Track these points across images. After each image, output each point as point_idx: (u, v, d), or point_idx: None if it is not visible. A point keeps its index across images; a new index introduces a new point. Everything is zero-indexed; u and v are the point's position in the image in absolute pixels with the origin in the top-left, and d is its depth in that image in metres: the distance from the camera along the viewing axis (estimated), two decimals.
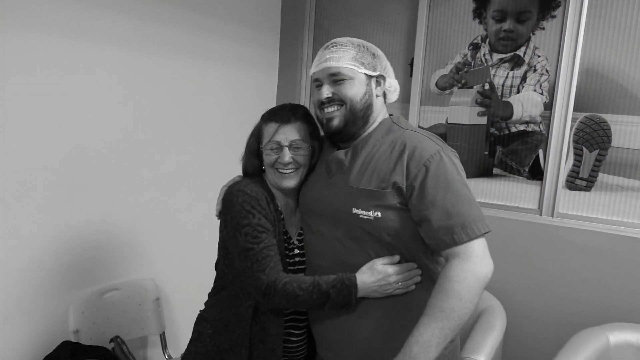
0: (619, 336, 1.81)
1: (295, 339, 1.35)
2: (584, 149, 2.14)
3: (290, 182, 1.30)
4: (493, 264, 1.12)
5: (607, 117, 2.08)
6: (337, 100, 1.22)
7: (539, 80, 2.21)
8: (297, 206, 1.38)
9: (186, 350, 1.40)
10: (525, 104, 2.24)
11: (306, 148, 1.30)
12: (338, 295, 1.18)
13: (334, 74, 1.21)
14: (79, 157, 1.90)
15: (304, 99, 2.83)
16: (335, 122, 1.22)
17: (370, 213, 1.16)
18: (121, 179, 2.06)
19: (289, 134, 1.29)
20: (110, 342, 1.94)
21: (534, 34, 2.21)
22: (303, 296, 1.19)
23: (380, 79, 1.26)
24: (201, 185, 2.30)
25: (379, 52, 1.28)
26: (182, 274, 2.33)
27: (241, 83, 2.61)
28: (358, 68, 1.21)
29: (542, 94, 2.21)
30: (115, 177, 2.03)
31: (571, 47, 2.12)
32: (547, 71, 2.19)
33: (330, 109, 1.23)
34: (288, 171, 1.29)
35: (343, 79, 1.21)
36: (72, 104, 1.85)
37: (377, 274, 1.19)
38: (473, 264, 1.08)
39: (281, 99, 2.87)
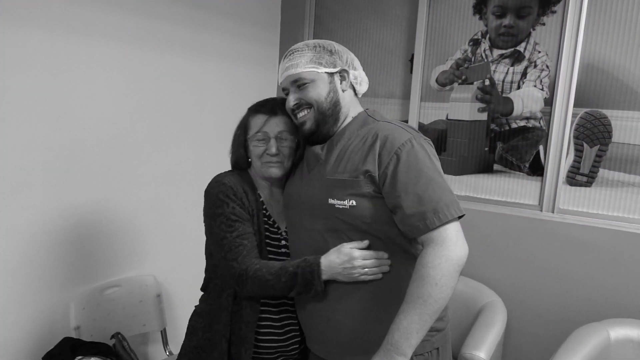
0: (620, 332, 1.82)
1: (278, 331, 1.34)
2: (585, 145, 2.13)
3: (277, 172, 1.34)
4: (468, 247, 1.13)
5: (608, 113, 2.07)
6: (305, 104, 1.25)
7: (539, 76, 2.21)
8: None
9: (182, 345, 1.41)
10: (526, 100, 2.24)
11: (292, 140, 1.34)
12: (303, 278, 1.20)
13: (295, 80, 1.25)
14: (78, 153, 1.90)
15: None
16: (308, 125, 1.26)
17: (346, 202, 1.19)
18: (121, 175, 2.06)
19: (276, 125, 1.33)
20: (111, 338, 1.94)
21: (534, 29, 2.21)
22: (272, 280, 1.22)
23: (343, 73, 1.27)
24: (201, 181, 2.28)
25: (338, 47, 1.29)
26: (182, 270, 2.33)
27: (241, 79, 2.60)
28: (317, 69, 1.24)
29: (542, 89, 2.20)
30: (115, 173, 2.03)
31: (571, 43, 2.12)
32: (547, 67, 2.19)
33: (301, 114, 1.27)
34: (274, 161, 1.33)
35: (305, 83, 1.24)
36: (71, 100, 1.85)
37: (342, 256, 1.20)
38: (446, 248, 1.10)
39: (280, 95, 2.86)
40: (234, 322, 1.31)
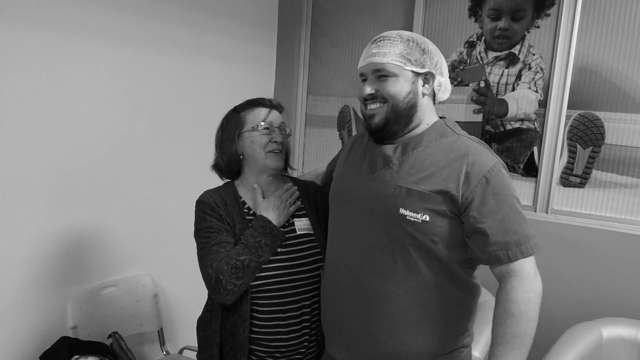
0: (612, 331, 1.84)
1: (287, 336, 1.34)
2: (578, 146, 2.16)
3: (280, 162, 1.39)
4: None
5: (601, 115, 2.10)
6: (380, 97, 1.16)
7: (533, 78, 2.23)
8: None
9: None
10: (520, 102, 2.26)
11: (289, 133, 1.43)
12: (266, 237, 1.29)
13: (378, 70, 1.16)
14: (75, 154, 1.90)
15: (301, 97, 2.84)
16: (377, 120, 1.18)
17: (419, 216, 1.12)
18: (118, 175, 2.07)
19: (277, 117, 1.40)
20: (108, 337, 1.95)
21: (528, 32, 2.23)
22: (247, 258, 1.26)
23: (428, 76, 1.18)
24: (198, 182, 2.30)
25: (431, 46, 1.19)
26: (179, 270, 2.34)
27: (238, 80, 2.61)
28: (404, 65, 1.14)
29: (536, 91, 2.23)
30: (112, 173, 2.04)
31: (565, 46, 2.14)
32: (541, 69, 2.21)
33: (372, 106, 1.18)
34: (279, 149, 1.37)
35: (387, 76, 1.15)
36: (68, 100, 1.85)
37: (268, 207, 1.34)
38: (531, 281, 1.08)
39: (278, 97, 2.88)
40: (226, 327, 1.32)
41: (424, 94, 1.18)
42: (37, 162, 1.78)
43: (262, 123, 1.35)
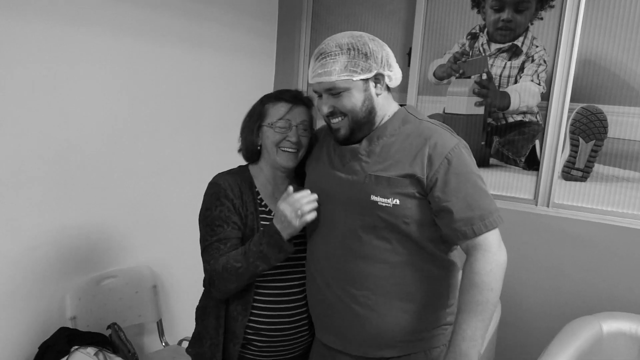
0: (612, 325, 1.83)
1: (289, 325, 1.34)
2: (580, 140, 2.14)
3: (291, 162, 1.34)
4: None
5: (604, 108, 2.08)
6: (339, 112, 1.21)
7: (536, 71, 2.21)
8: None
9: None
10: (523, 95, 2.24)
11: (309, 132, 1.36)
12: (269, 246, 1.23)
13: (329, 89, 1.20)
14: (75, 146, 1.89)
15: (301, 89, 2.82)
16: (342, 132, 1.23)
17: (389, 200, 1.17)
18: (118, 167, 2.06)
19: (298, 115, 1.34)
20: (107, 328, 1.95)
21: (532, 24, 2.21)
22: (242, 266, 1.24)
23: (378, 77, 1.21)
24: (198, 173, 2.29)
25: (373, 46, 1.21)
26: (179, 261, 2.34)
27: (237, 72, 2.59)
28: (352, 76, 1.18)
29: (539, 84, 2.21)
30: (111, 164, 2.03)
31: (569, 38, 2.12)
32: (544, 61, 2.19)
33: (335, 120, 1.23)
34: (292, 150, 1.33)
35: (339, 92, 1.19)
36: (67, 92, 1.84)
37: (277, 214, 1.24)
38: (494, 253, 1.14)
39: (278, 88, 2.86)
40: (226, 317, 1.33)
41: (377, 94, 1.22)
42: (36, 153, 1.77)
43: (280, 121, 1.32)
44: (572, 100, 2.13)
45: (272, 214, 1.35)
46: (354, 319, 1.24)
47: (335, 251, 1.25)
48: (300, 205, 1.22)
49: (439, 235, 1.21)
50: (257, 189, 1.37)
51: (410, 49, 2.50)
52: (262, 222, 1.34)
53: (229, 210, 1.30)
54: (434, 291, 1.24)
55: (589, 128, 2.12)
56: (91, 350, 1.75)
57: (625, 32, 2.02)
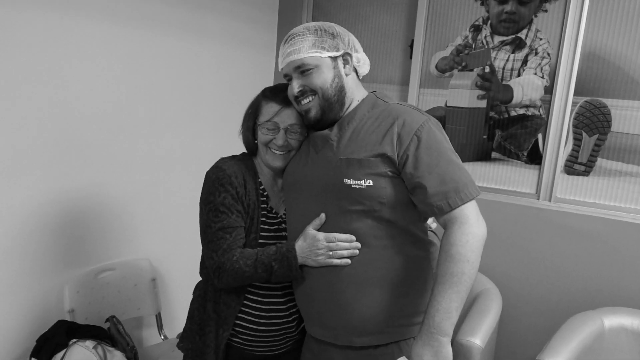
0: (614, 320, 1.83)
1: (284, 313, 1.33)
2: (584, 134, 2.13)
3: (280, 163, 1.33)
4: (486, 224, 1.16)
5: (608, 102, 2.06)
6: (309, 91, 1.23)
7: (540, 64, 2.19)
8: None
9: (184, 328, 1.42)
10: (526, 88, 2.22)
11: (301, 134, 1.32)
12: (281, 267, 1.23)
13: (299, 67, 1.22)
14: (73, 136, 1.87)
15: None
16: (313, 113, 1.24)
17: (362, 182, 1.18)
18: (117, 158, 2.04)
19: (287, 117, 1.30)
20: (105, 321, 1.94)
21: (536, 16, 2.18)
22: (249, 272, 1.23)
23: (346, 56, 1.25)
24: (197, 165, 2.27)
25: (339, 29, 1.26)
26: (178, 254, 2.32)
27: (237, 63, 2.57)
28: (320, 53, 1.21)
29: (542, 77, 2.18)
30: (110, 156, 2.01)
31: (573, 30, 2.09)
32: (548, 54, 2.17)
33: (305, 101, 1.24)
34: (280, 152, 1.31)
35: (309, 69, 1.21)
36: (65, 81, 1.81)
37: (308, 239, 1.22)
38: (471, 226, 1.12)
39: (278, 80, 2.82)
40: (220, 304, 1.32)
41: (347, 74, 1.25)
42: (34, 143, 1.75)
43: (268, 123, 1.30)
44: (576, 93, 2.11)
45: (269, 206, 1.34)
46: (336, 307, 1.22)
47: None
48: (336, 247, 1.20)
49: (417, 215, 1.21)
50: (260, 179, 1.36)
51: (413, 41, 2.47)
52: (262, 213, 1.32)
53: (233, 198, 1.28)
54: (418, 275, 1.23)
55: (592, 122, 2.10)
56: (90, 343, 1.73)
57: (631, 25, 2.00)
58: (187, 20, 2.25)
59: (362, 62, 1.29)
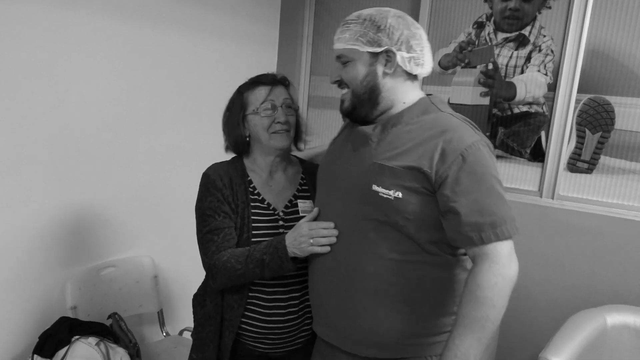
0: (617, 318, 1.82)
1: (285, 318, 1.33)
2: (587, 131, 2.12)
3: (286, 142, 1.33)
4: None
5: (611, 99, 2.05)
6: (343, 82, 1.18)
7: (543, 61, 2.18)
8: (286, 178, 1.40)
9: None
10: (529, 85, 2.21)
11: (295, 108, 1.35)
12: (272, 260, 1.22)
13: (338, 56, 1.18)
14: (75, 134, 1.86)
15: (304, 77, 2.78)
16: (346, 104, 1.20)
17: (391, 192, 1.09)
18: (119, 156, 2.03)
19: (280, 93, 1.33)
20: (108, 318, 1.94)
21: (540, 13, 2.17)
22: (242, 269, 1.23)
23: (389, 54, 1.13)
24: (199, 162, 2.26)
25: (392, 21, 1.14)
26: (180, 252, 2.32)
27: (239, 60, 2.56)
28: (360, 47, 1.13)
29: (546, 74, 2.18)
30: (112, 153, 2.00)
31: (577, 27, 2.09)
32: (552, 51, 2.16)
33: (342, 91, 1.20)
34: (284, 129, 1.31)
35: (346, 61, 1.16)
36: (65, 79, 1.80)
37: (295, 230, 1.22)
38: (502, 266, 1.03)
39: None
40: (223, 306, 1.33)
41: (385, 74, 1.15)
42: (35, 142, 1.74)
43: (263, 104, 1.31)
44: (579, 91, 2.11)
45: (266, 202, 1.34)
46: (348, 314, 1.18)
47: (335, 241, 1.20)
48: (317, 234, 1.18)
49: (443, 237, 1.11)
50: (249, 178, 1.35)
51: None
52: (253, 211, 1.32)
53: (218, 200, 1.29)
54: (436, 296, 1.15)
55: (595, 119, 2.10)
56: (92, 340, 1.73)
57: (635, 22, 1.99)
58: (188, 17, 2.24)
59: (417, 61, 1.16)
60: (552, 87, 2.16)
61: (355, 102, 1.17)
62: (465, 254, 1.16)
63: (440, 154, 1.07)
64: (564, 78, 2.12)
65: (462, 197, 1.04)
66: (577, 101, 2.12)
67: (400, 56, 1.14)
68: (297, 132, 1.40)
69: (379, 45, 1.13)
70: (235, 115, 1.35)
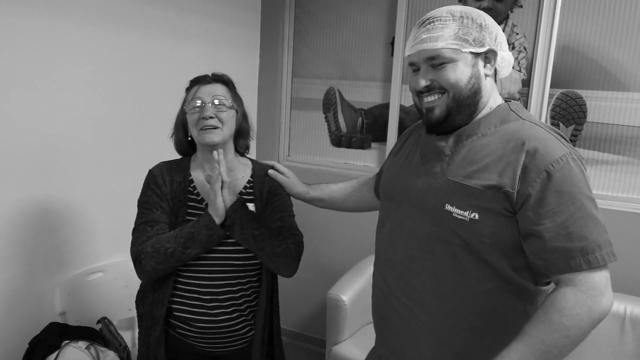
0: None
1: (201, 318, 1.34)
2: (561, 125, 2.19)
3: (213, 137, 1.31)
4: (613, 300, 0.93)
5: (583, 93, 2.13)
6: (438, 87, 1.03)
7: (517, 58, 2.25)
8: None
9: None
10: (504, 81, 2.28)
11: (229, 105, 1.34)
12: (200, 232, 1.25)
13: (432, 58, 1.02)
14: (57, 138, 1.87)
15: (286, 79, 2.82)
16: (437, 112, 1.04)
17: (466, 213, 0.99)
18: (103, 160, 2.04)
19: (211, 89, 1.34)
20: (97, 323, 1.94)
21: (512, 11, 2.24)
22: (171, 247, 1.25)
23: (490, 54, 1.04)
24: None
25: (488, 20, 1.04)
26: None
27: (221, 63, 2.58)
28: (461, 47, 1.00)
29: (520, 71, 2.25)
30: (96, 157, 2.01)
31: (548, 24, 2.16)
32: (525, 48, 2.23)
33: (429, 98, 1.05)
34: (210, 125, 1.30)
35: (443, 63, 1.01)
36: (51, 86, 1.81)
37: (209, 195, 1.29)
38: (591, 298, 0.89)
39: (262, 80, 2.86)
40: (150, 305, 1.36)
41: (486, 75, 1.05)
42: (19, 146, 1.74)
43: (192, 101, 1.33)
44: (552, 86, 2.18)
45: (205, 203, 1.35)
46: (410, 337, 1.09)
47: (398, 258, 1.11)
48: (213, 182, 1.25)
49: (524, 263, 0.99)
50: (191, 177, 1.38)
51: (394, 38, 2.52)
52: (189, 211, 1.34)
53: (157, 196, 1.34)
54: (512, 329, 0.97)
55: (568, 113, 2.17)
56: (82, 344, 1.74)
57: (603, 18, 2.07)
58: (171, 23, 2.26)
59: (506, 62, 1.08)
60: (527, 83, 2.24)
61: (453, 108, 1.03)
62: (549, 282, 1.05)
63: (522, 170, 0.95)
64: (537, 74, 2.20)
65: (547, 219, 0.92)
66: (550, 96, 2.19)
67: (500, 56, 1.06)
68: (238, 134, 1.40)
69: (482, 45, 1.02)
70: (179, 117, 1.41)
